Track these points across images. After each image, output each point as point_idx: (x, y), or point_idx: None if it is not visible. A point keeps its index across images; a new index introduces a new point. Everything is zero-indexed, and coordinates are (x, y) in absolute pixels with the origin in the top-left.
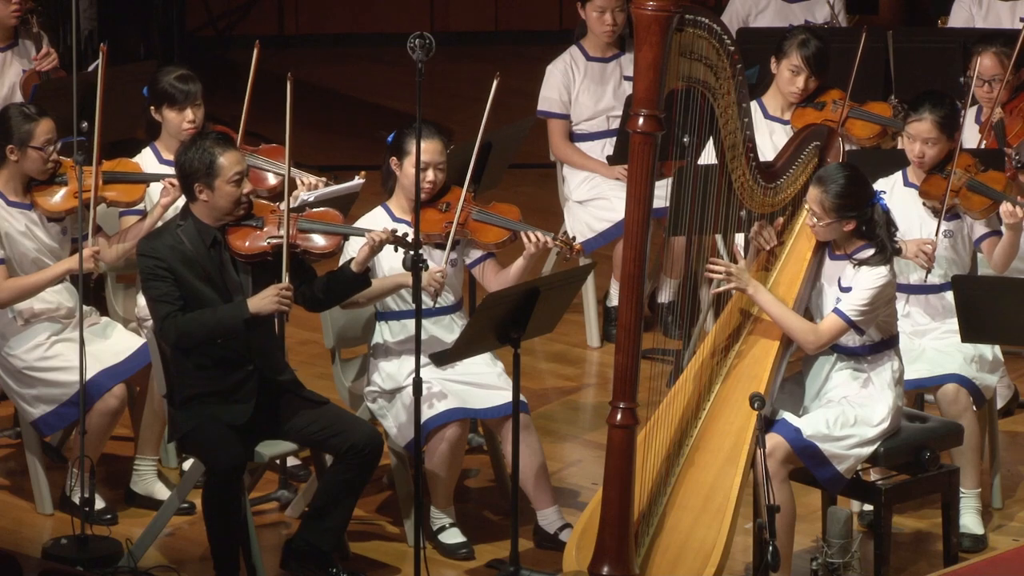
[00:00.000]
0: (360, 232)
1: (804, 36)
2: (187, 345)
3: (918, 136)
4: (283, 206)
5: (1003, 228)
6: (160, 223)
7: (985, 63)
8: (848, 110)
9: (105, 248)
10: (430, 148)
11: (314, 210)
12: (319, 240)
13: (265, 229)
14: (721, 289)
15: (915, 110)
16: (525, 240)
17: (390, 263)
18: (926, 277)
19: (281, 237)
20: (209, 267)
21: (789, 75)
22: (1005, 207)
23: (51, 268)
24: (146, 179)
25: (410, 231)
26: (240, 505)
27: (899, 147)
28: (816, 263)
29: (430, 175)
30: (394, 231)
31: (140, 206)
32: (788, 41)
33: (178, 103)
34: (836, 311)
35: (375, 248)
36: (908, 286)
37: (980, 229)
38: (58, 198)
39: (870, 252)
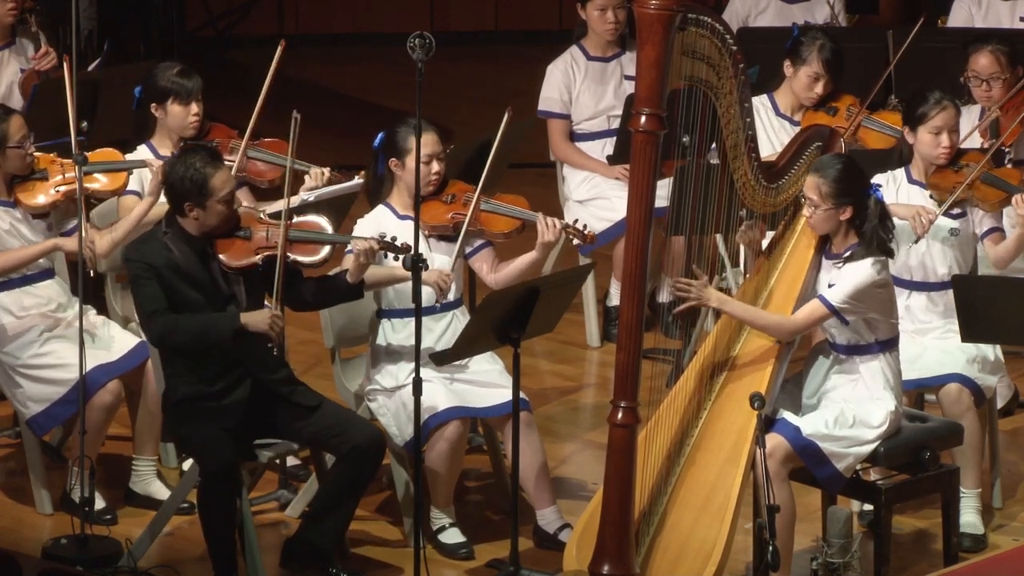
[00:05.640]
0: (349, 240)
1: (822, 41)
2: (171, 345)
3: (946, 126)
4: (267, 211)
5: (1008, 223)
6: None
7: (981, 62)
8: (861, 119)
9: (96, 237)
10: (429, 140)
11: (302, 219)
12: (307, 257)
13: (254, 239)
14: (684, 308)
15: (937, 103)
16: (540, 227)
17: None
18: (915, 242)
19: (271, 248)
20: (199, 276)
21: (809, 81)
22: (1018, 197)
23: (38, 244)
24: (127, 166)
25: (402, 234)
26: (233, 505)
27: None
28: (816, 264)
29: (435, 166)
30: (382, 236)
31: (136, 187)
32: (805, 46)
33: (184, 97)
34: (819, 296)
35: (363, 260)
36: (910, 282)
37: (987, 223)
38: (41, 195)
39: (855, 249)
